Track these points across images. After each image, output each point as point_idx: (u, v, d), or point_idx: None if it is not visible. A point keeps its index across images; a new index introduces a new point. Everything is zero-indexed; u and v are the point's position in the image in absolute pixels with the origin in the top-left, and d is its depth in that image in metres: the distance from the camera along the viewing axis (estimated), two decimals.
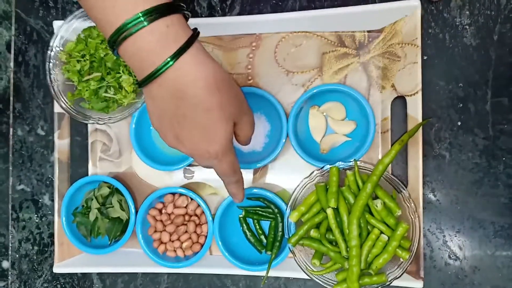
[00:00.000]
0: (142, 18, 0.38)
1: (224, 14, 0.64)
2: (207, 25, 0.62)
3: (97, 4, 0.40)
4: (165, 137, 0.45)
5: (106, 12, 0.39)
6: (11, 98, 0.69)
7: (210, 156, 0.44)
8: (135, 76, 0.59)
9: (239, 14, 0.63)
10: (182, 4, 0.41)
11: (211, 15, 0.64)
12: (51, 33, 0.68)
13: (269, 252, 0.61)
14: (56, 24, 0.64)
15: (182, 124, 0.42)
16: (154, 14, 0.39)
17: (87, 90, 0.60)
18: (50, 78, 0.61)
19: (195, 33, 0.41)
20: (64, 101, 0.61)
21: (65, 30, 0.61)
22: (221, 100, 0.41)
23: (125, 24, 0.39)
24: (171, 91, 0.41)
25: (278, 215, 0.61)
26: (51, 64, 0.61)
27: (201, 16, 0.64)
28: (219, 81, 0.41)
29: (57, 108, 0.66)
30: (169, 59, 0.39)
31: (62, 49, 0.61)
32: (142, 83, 0.41)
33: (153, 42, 0.39)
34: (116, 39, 0.39)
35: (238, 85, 0.48)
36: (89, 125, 0.66)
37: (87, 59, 0.60)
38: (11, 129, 0.69)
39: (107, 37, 0.41)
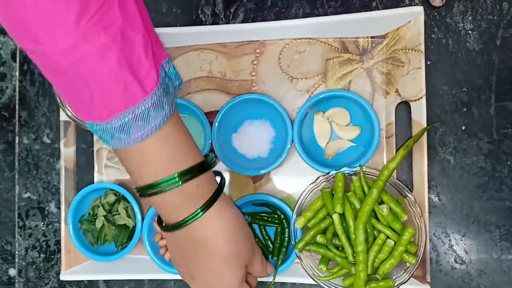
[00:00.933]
0: (176, 179, 0.42)
1: (228, 22, 0.64)
2: (211, 33, 0.62)
3: (134, 160, 0.42)
4: (180, 271, 0.50)
5: (141, 168, 0.42)
6: (17, 107, 0.70)
7: None
8: None
9: (243, 21, 0.64)
10: (212, 159, 0.46)
11: (215, 22, 0.65)
12: None
13: (275, 258, 0.61)
14: None
15: (198, 266, 0.47)
16: (187, 176, 0.42)
17: None
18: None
19: (220, 186, 0.46)
20: (69, 110, 0.61)
21: None
22: (237, 249, 0.46)
23: (158, 183, 0.42)
24: (192, 239, 0.45)
25: (284, 221, 0.61)
26: None
27: (205, 24, 0.65)
28: (237, 233, 0.46)
29: (62, 116, 0.66)
30: (193, 214, 0.43)
31: None
32: (166, 229, 0.46)
33: (182, 200, 0.43)
34: (146, 192, 0.42)
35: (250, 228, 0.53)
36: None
37: None
38: (17, 138, 0.70)
39: (136, 185, 0.44)
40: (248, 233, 0.48)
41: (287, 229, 0.60)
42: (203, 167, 0.44)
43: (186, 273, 0.48)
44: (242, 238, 0.47)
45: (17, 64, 0.70)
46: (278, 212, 0.61)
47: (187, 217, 0.43)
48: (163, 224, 0.47)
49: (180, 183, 0.42)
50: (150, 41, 0.39)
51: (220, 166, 0.64)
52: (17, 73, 0.70)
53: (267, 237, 0.62)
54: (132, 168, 0.43)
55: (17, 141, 0.70)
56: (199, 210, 0.43)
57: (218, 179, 0.48)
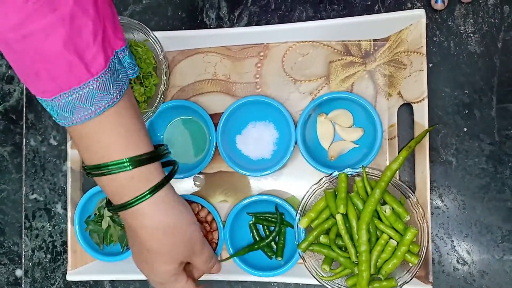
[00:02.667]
0: (126, 164, 0.44)
1: (232, 25, 0.65)
2: (216, 36, 0.63)
3: (88, 140, 0.44)
4: (133, 258, 0.52)
5: (96, 148, 0.44)
6: (24, 109, 0.71)
7: (155, 284, 0.52)
8: (146, 86, 0.60)
9: (247, 24, 0.65)
10: (163, 150, 0.49)
11: (219, 26, 0.66)
12: None
13: (279, 258, 0.62)
14: None
15: (136, 253, 0.51)
16: (137, 162, 0.44)
17: None
18: None
19: (167, 177, 0.47)
20: None
21: None
22: (164, 247, 0.48)
23: (107, 164, 0.44)
24: (129, 225, 0.48)
25: (284, 222, 0.62)
26: None
27: (210, 27, 0.66)
28: (171, 227, 0.48)
29: None
30: (136, 199, 0.45)
31: None
32: (109, 210, 0.48)
33: (125, 184, 0.45)
34: (94, 172, 0.44)
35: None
36: None
37: None
38: (24, 140, 0.71)
39: (84, 162, 0.45)
40: (187, 230, 0.50)
41: (282, 231, 0.61)
42: (154, 156, 0.46)
43: (135, 258, 0.52)
44: (177, 234, 0.48)
45: None
46: (277, 213, 0.62)
47: (126, 201, 0.45)
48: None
49: (130, 168, 0.43)
50: (102, 28, 0.41)
51: (224, 167, 0.64)
52: None
53: (270, 237, 0.63)
54: (81, 147, 0.44)
55: (24, 143, 0.71)
56: (136, 198, 0.45)
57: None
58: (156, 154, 0.46)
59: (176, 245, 0.49)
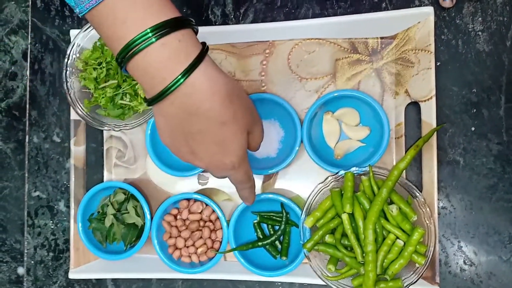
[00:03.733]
0: (150, 34, 0.38)
1: (237, 22, 0.65)
2: (221, 33, 0.62)
3: (107, 22, 0.39)
4: (179, 153, 0.44)
5: (115, 29, 0.39)
6: (27, 106, 0.70)
7: (227, 168, 0.44)
8: None
9: (253, 22, 0.64)
10: (191, 19, 0.41)
11: (225, 23, 0.65)
12: (67, 41, 0.69)
13: (284, 258, 0.61)
14: (73, 32, 0.66)
15: (198, 139, 0.42)
16: (163, 29, 0.38)
17: (103, 97, 0.61)
18: (67, 85, 0.61)
19: (205, 47, 0.41)
20: (80, 108, 0.62)
21: (82, 38, 0.62)
22: (235, 112, 0.42)
23: (133, 41, 0.38)
24: (184, 108, 0.40)
25: (289, 222, 0.61)
26: (67, 72, 0.62)
27: (215, 24, 0.65)
28: (231, 94, 0.41)
29: (73, 115, 0.67)
30: (180, 76, 0.39)
31: (78, 57, 0.62)
32: (152, 101, 0.41)
33: (164, 58, 0.39)
34: (125, 56, 0.39)
35: (247, 94, 0.50)
36: (104, 132, 0.67)
37: (103, 67, 0.61)
38: (27, 136, 0.70)
39: (115, 55, 0.40)
40: (243, 95, 0.44)
41: (287, 230, 0.60)
42: (181, 22, 0.39)
43: (186, 151, 0.44)
44: (238, 101, 0.42)
45: (28, 64, 0.70)
46: (284, 212, 0.61)
47: (172, 81, 0.39)
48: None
49: (154, 39, 0.38)
50: None
51: None
52: (28, 73, 0.70)
53: (275, 236, 0.62)
54: (106, 32, 0.39)
55: (27, 140, 0.70)
56: (184, 71, 0.39)
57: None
58: (185, 20, 0.40)
59: (244, 110, 0.43)
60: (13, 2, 0.72)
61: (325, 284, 0.57)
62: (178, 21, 0.39)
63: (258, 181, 0.63)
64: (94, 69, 0.61)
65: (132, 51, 0.38)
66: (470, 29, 0.59)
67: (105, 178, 0.67)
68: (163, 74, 0.39)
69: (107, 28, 0.39)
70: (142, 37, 0.38)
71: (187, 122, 0.41)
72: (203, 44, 0.41)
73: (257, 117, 0.47)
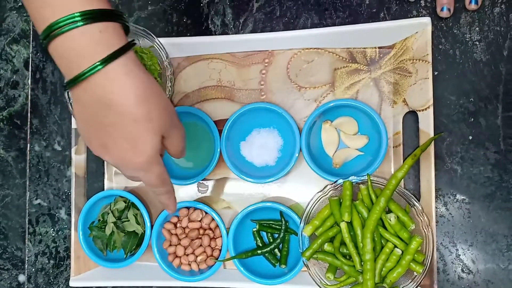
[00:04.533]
0: (73, 19, 0.38)
1: (237, 32, 0.65)
2: (221, 43, 0.63)
3: (35, 3, 0.39)
4: (90, 144, 0.44)
5: (42, 8, 0.39)
6: (29, 114, 0.71)
7: (136, 167, 0.43)
8: None
9: (252, 31, 0.65)
10: (120, 13, 0.42)
11: (224, 32, 0.66)
12: None
13: (283, 266, 0.61)
14: None
15: (109, 132, 0.41)
16: (88, 16, 0.39)
17: None
18: (68, 94, 0.62)
19: (130, 43, 0.41)
20: None
21: None
22: (149, 111, 0.41)
23: (58, 22, 0.38)
24: (98, 98, 0.40)
25: (288, 230, 0.62)
26: None
27: (215, 34, 0.66)
28: (149, 93, 0.41)
29: (74, 124, 0.67)
30: (98, 64, 0.39)
31: None
32: (67, 85, 0.41)
33: (83, 45, 0.39)
34: (47, 35, 0.39)
35: (170, 100, 0.50)
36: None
37: None
38: (28, 145, 0.71)
39: (40, 33, 0.40)
40: (161, 96, 0.43)
41: (286, 238, 0.61)
42: (108, 14, 0.40)
43: (97, 143, 0.43)
44: (155, 101, 0.42)
45: (30, 73, 0.71)
46: (283, 220, 0.61)
47: (88, 67, 0.39)
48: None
49: (81, 23, 0.38)
50: None
51: (228, 174, 0.64)
52: (29, 82, 0.71)
53: (274, 244, 0.62)
54: (34, 14, 0.40)
55: (28, 148, 0.71)
56: (101, 60, 0.39)
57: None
58: (114, 13, 0.40)
59: (161, 111, 0.42)
60: (14, 12, 0.73)
61: None
62: (104, 13, 0.40)
63: (261, 189, 0.64)
64: None
65: (53, 33, 0.39)
66: (467, 39, 0.60)
67: (105, 186, 0.68)
68: (80, 60, 0.39)
69: (35, 10, 0.40)
70: (64, 21, 0.38)
71: (100, 113, 0.41)
72: (131, 41, 0.42)
73: (177, 122, 0.46)
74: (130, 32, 0.60)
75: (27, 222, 0.70)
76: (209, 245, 0.63)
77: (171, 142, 0.46)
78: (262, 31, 0.65)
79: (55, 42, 0.39)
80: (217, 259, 0.62)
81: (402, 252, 0.54)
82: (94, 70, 0.39)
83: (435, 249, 0.56)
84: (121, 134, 0.41)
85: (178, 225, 0.64)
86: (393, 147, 0.60)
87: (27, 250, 0.70)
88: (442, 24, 0.60)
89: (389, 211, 0.56)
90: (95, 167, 0.68)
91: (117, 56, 0.39)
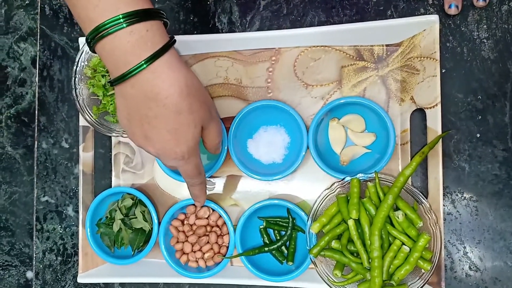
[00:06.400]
0: (121, 20, 0.40)
1: (244, 30, 0.65)
2: (228, 40, 0.63)
3: (80, 3, 0.42)
4: (133, 136, 0.46)
5: (88, 10, 0.41)
6: (36, 112, 0.71)
7: (177, 157, 0.46)
8: None
9: (259, 29, 0.65)
10: (161, 12, 0.44)
11: (231, 30, 0.66)
12: (75, 49, 0.70)
13: (290, 263, 0.62)
14: (82, 40, 0.66)
15: (153, 124, 0.44)
16: (134, 17, 0.41)
17: (111, 104, 0.62)
18: (75, 92, 0.62)
19: (172, 40, 0.44)
20: (89, 115, 0.63)
21: None
22: (191, 104, 0.44)
23: (104, 23, 0.41)
24: (144, 92, 0.42)
25: (295, 227, 0.62)
26: (76, 79, 0.62)
27: (222, 32, 0.66)
28: (191, 87, 0.44)
29: (82, 122, 0.68)
30: (143, 62, 0.41)
31: (87, 64, 0.63)
32: (114, 82, 0.43)
33: (130, 44, 0.41)
34: (95, 36, 0.41)
35: (210, 94, 0.55)
36: (112, 138, 0.68)
37: None
38: (36, 142, 0.71)
39: (86, 34, 0.42)
40: (202, 90, 0.46)
41: (293, 235, 0.61)
42: (151, 13, 0.42)
43: (140, 135, 0.45)
44: (196, 94, 0.45)
45: (37, 71, 0.71)
46: (290, 218, 0.62)
47: (136, 65, 0.41)
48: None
49: (125, 25, 0.40)
50: None
51: (235, 171, 0.64)
52: (37, 79, 0.71)
53: (281, 242, 0.63)
54: (80, 13, 0.42)
55: (36, 145, 0.71)
56: (148, 58, 0.41)
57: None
58: (157, 12, 0.43)
59: (201, 104, 0.45)
60: (22, 10, 0.73)
61: None
62: (148, 12, 0.42)
63: (268, 186, 0.64)
64: (103, 76, 0.62)
65: (101, 33, 0.41)
66: (475, 37, 0.60)
67: (113, 184, 0.68)
68: (128, 58, 0.42)
69: (80, 9, 0.42)
70: (113, 22, 0.40)
71: (144, 106, 0.43)
72: (171, 37, 0.44)
73: (215, 116, 0.49)
74: None
75: (34, 219, 0.71)
76: (216, 242, 0.63)
77: (208, 133, 0.49)
78: (269, 29, 0.65)
79: (103, 41, 0.42)
80: (224, 256, 0.62)
81: (410, 249, 0.55)
82: (142, 68, 0.41)
83: (442, 246, 0.56)
84: (164, 126, 0.44)
85: (185, 222, 0.65)
86: (401, 144, 0.60)
87: (34, 247, 0.71)
88: (450, 22, 0.60)
89: (397, 209, 0.56)
90: (103, 165, 0.68)
91: (162, 53, 0.42)
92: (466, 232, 0.60)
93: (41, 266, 0.70)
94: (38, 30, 0.72)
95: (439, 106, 0.57)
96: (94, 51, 0.43)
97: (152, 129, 0.44)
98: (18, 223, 0.72)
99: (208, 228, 0.64)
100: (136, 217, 0.64)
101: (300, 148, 0.61)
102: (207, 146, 0.51)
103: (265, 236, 0.63)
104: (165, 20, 0.44)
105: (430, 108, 0.58)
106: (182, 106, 0.43)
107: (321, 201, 0.58)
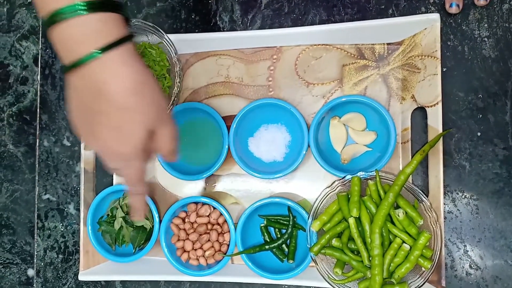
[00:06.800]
0: (77, 8, 0.39)
1: (245, 28, 0.66)
2: (229, 39, 0.63)
3: None
4: (80, 129, 0.45)
5: None
6: (38, 110, 0.71)
7: (119, 157, 0.44)
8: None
9: (260, 28, 0.65)
10: (121, 5, 0.43)
11: (233, 29, 0.66)
12: None
13: (291, 261, 0.62)
14: None
15: (97, 119, 0.42)
16: (90, 7, 0.40)
17: None
18: None
19: (129, 34, 0.42)
20: None
21: None
22: (139, 103, 0.42)
23: (59, 10, 0.40)
24: (92, 84, 0.41)
25: (296, 225, 0.62)
26: None
27: (223, 30, 0.66)
28: (142, 84, 0.42)
29: None
30: (95, 51, 0.40)
31: None
32: (64, 69, 0.42)
33: (83, 33, 0.40)
34: (48, 22, 0.40)
35: (165, 96, 0.50)
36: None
37: None
38: (37, 140, 0.71)
39: (42, 17, 0.41)
40: (154, 90, 0.43)
41: (294, 233, 0.61)
42: (110, 5, 0.41)
43: (86, 129, 0.44)
44: (147, 93, 0.42)
45: (39, 69, 0.72)
46: (291, 216, 0.62)
47: (86, 54, 0.40)
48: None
49: (80, 13, 0.39)
50: None
51: (236, 170, 0.65)
52: (38, 77, 0.72)
53: (282, 240, 0.63)
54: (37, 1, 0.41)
55: (37, 143, 0.71)
56: (100, 49, 0.40)
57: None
58: (116, 4, 0.42)
59: (150, 104, 0.43)
60: (24, 8, 0.73)
61: (331, 287, 0.57)
62: (106, 3, 0.41)
63: (269, 185, 0.64)
64: None
65: (55, 19, 0.40)
66: (476, 35, 0.60)
67: (114, 182, 0.68)
68: (79, 47, 0.40)
69: None
70: (69, 8, 0.39)
71: (92, 99, 0.42)
72: (129, 32, 0.43)
73: (167, 120, 0.46)
74: (139, 28, 0.60)
75: (36, 217, 0.71)
76: (217, 240, 0.63)
77: (159, 138, 0.45)
78: (270, 28, 0.65)
79: (57, 27, 0.40)
80: (225, 254, 0.63)
81: (411, 247, 0.55)
82: (92, 57, 0.40)
83: (443, 244, 0.56)
84: (108, 122, 0.42)
85: (186, 220, 0.65)
86: (402, 143, 0.61)
87: (36, 245, 0.71)
88: (451, 20, 0.60)
89: (398, 207, 0.56)
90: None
91: (115, 46, 0.41)
92: (467, 231, 0.60)
93: (42, 264, 0.71)
94: (40, 29, 0.72)
95: (440, 104, 0.57)
96: (49, 37, 0.42)
97: (97, 125, 0.42)
98: (20, 221, 0.72)
99: (209, 226, 0.64)
100: None
101: (301, 146, 0.61)
102: (160, 151, 0.47)
103: (265, 234, 0.63)
104: (124, 13, 0.43)
105: (431, 106, 0.58)
106: (129, 104, 0.41)
107: (322, 199, 0.59)
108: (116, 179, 0.68)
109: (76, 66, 0.41)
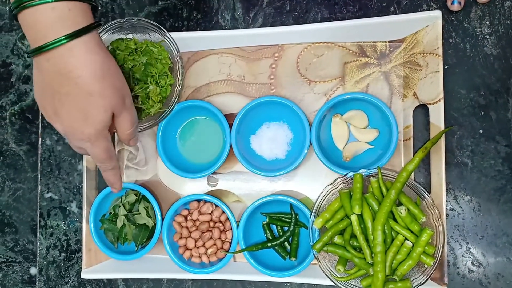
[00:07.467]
0: None
1: (247, 26, 0.66)
2: (231, 37, 0.63)
3: None
4: (44, 111, 0.48)
5: None
6: None
7: (83, 138, 0.48)
8: (162, 86, 0.61)
9: (262, 26, 0.65)
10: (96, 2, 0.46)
11: (234, 27, 0.66)
12: None
13: (293, 259, 0.62)
14: None
15: (63, 101, 0.45)
16: None
17: None
18: None
19: (95, 23, 0.45)
20: None
21: None
22: (104, 88, 0.46)
23: None
24: (58, 68, 0.44)
25: (298, 223, 0.62)
26: None
27: (225, 28, 0.66)
28: (106, 71, 0.46)
29: None
30: (62, 38, 0.43)
31: None
32: (31, 53, 0.44)
33: (51, 19, 0.43)
34: (17, 6, 0.43)
35: (129, 85, 0.54)
36: (116, 134, 0.68)
37: None
38: (40, 139, 0.71)
39: (11, 3, 0.44)
40: (117, 77, 0.48)
41: (296, 231, 0.61)
42: None
43: (50, 110, 0.47)
44: (110, 79, 0.46)
45: None
46: (293, 213, 0.62)
47: (53, 40, 0.43)
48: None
49: (48, 0, 0.42)
50: None
51: (238, 168, 0.65)
52: None
53: (284, 237, 0.63)
54: None
55: (40, 142, 0.71)
56: (66, 35, 0.43)
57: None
58: None
59: (114, 90, 0.47)
60: None
61: (334, 285, 0.58)
62: None
63: (271, 182, 0.64)
64: None
65: (24, 4, 0.43)
66: (478, 33, 0.60)
67: None
68: (47, 32, 0.43)
69: None
70: None
71: (57, 82, 0.45)
72: (96, 21, 0.46)
73: (129, 105, 0.50)
74: (141, 27, 0.60)
75: (38, 215, 0.71)
76: (219, 238, 0.63)
77: (120, 122, 0.50)
78: (272, 26, 0.65)
79: (26, 12, 0.43)
80: (227, 251, 0.63)
81: (413, 244, 0.55)
82: (59, 43, 0.43)
83: (445, 242, 0.56)
84: (74, 104, 0.45)
85: (188, 218, 0.65)
86: (403, 140, 0.61)
87: (38, 243, 0.71)
88: (453, 18, 0.60)
89: (400, 204, 0.56)
90: None
91: (81, 34, 0.44)
92: (469, 228, 0.60)
93: (44, 262, 0.71)
94: None
95: (442, 102, 0.57)
96: (17, 19, 0.45)
97: (62, 106, 0.46)
98: (22, 220, 0.72)
99: (211, 224, 0.64)
100: (139, 213, 0.65)
101: (303, 144, 0.61)
102: (119, 134, 0.52)
103: (268, 231, 0.63)
104: (93, 3, 0.46)
105: (433, 104, 0.58)
106: (94, 88, 0.45)
107: (324, 197, 0.59)
108: None
109: (43, 49, 0.43)
